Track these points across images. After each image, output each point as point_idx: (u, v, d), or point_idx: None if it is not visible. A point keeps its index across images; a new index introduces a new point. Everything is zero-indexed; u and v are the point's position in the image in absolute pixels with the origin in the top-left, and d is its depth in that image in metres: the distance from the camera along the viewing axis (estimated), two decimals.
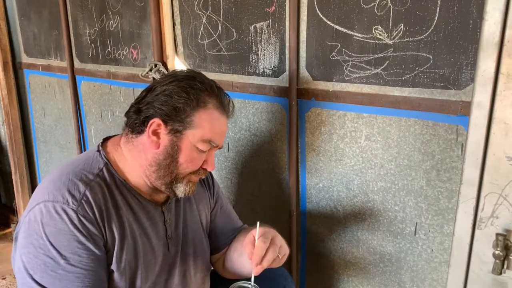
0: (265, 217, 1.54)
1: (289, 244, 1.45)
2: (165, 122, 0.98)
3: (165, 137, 0.99)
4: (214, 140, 1.01)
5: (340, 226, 1.36)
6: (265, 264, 0.90)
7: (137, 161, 1.02)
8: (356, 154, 1.27)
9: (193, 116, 0.98)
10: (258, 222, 0.94)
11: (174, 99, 0.98)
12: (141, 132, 1.01)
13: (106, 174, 1.00)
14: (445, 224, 1.14)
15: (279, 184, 1.49)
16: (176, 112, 0.98)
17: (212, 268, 1.25)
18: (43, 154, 2.68)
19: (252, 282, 0.90)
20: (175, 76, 1.02)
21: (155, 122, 0.98)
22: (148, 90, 1.03)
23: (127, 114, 1.05)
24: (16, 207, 2.88)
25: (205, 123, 0.99)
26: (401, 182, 1.20)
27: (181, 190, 1.03)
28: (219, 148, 1.06)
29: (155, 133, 0.99)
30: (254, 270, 0.90)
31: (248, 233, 0.95)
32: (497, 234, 0.94)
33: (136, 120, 1.01)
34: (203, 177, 1.07)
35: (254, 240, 0.92)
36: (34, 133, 2.70)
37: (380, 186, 1.24)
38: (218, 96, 1.03)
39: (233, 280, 1.21)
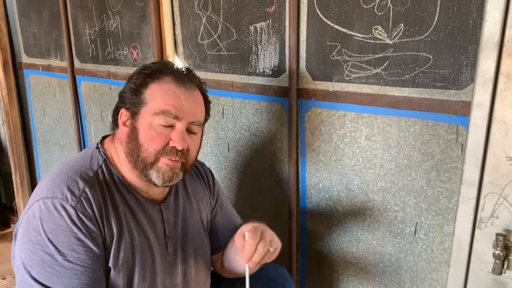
0: (265, 217, 1.53)
1: (289, 244, 1.46)
2: (127, 109, 1.01)
3: (129, 123, 1.01)
4: (169, 110, 0.96)
5: (340, 226, 1.36)
6: (256, 259, 0.90)
7: (123, 155, 1.03)
8: (356, 154, 1.27)
9: (145, 93, 0.99)
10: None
11: (130, 83, 1.02)
12: (117, 125, 1.04)
13: (105, 171, 1.01)
14: (445, 224, 1.14)
15: (279, 184, 1.49)
16: (131, 94, 1.00)
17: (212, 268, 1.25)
18: (43, 154, 2.68)
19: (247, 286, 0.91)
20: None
21: (123, 112, 1.02)
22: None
23: None
24: (16, 207, 2.88)
25: (156, 96, 0.99)
26: (401, 182, 1.20)
27: (154, 177, 0.99)
28: (190, 123, 1.00)
29: (125, 123, 1.02)
30: (247, 265, 0.91)
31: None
32: (497, 234, 0.94)
33: (112, 115, 1.06)
34: (175, 158, 0.98)
35: (245, 235, 0.92)
36: (34, 133, 2.71)
37: (380, 186, 1.24)
38: (173, 72, 1.02)
39: (233, 280, 1.22)
